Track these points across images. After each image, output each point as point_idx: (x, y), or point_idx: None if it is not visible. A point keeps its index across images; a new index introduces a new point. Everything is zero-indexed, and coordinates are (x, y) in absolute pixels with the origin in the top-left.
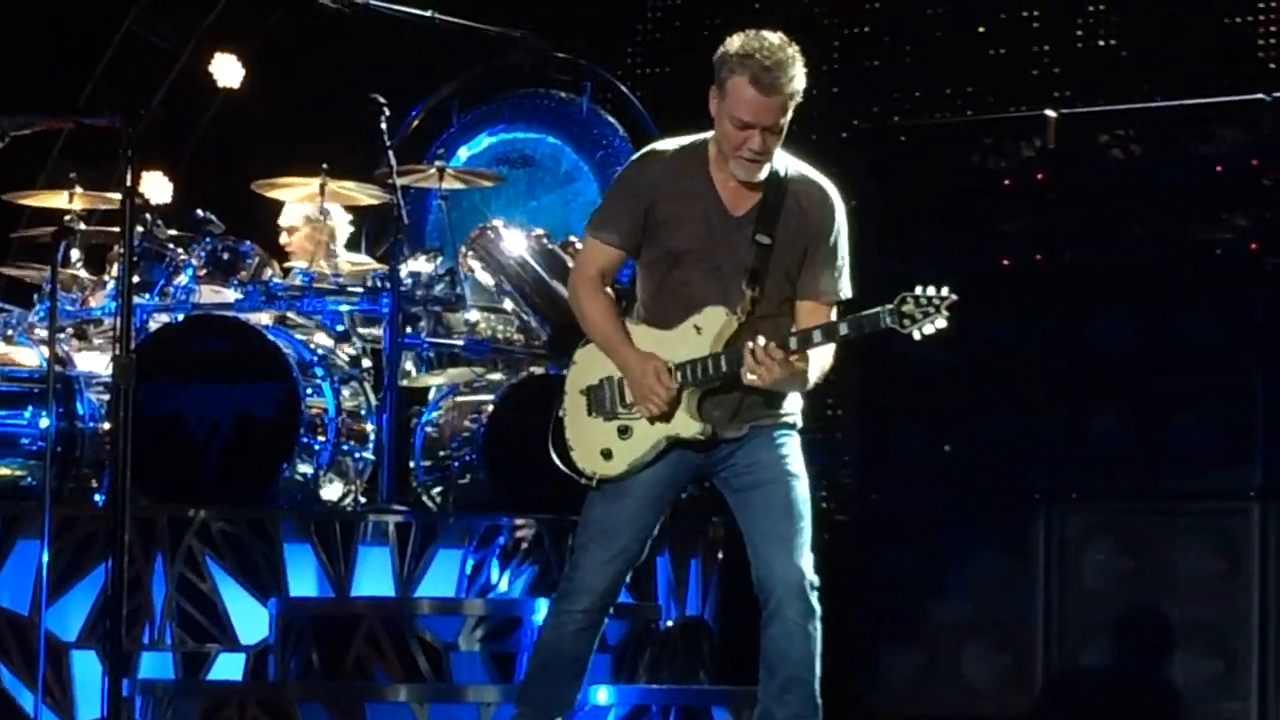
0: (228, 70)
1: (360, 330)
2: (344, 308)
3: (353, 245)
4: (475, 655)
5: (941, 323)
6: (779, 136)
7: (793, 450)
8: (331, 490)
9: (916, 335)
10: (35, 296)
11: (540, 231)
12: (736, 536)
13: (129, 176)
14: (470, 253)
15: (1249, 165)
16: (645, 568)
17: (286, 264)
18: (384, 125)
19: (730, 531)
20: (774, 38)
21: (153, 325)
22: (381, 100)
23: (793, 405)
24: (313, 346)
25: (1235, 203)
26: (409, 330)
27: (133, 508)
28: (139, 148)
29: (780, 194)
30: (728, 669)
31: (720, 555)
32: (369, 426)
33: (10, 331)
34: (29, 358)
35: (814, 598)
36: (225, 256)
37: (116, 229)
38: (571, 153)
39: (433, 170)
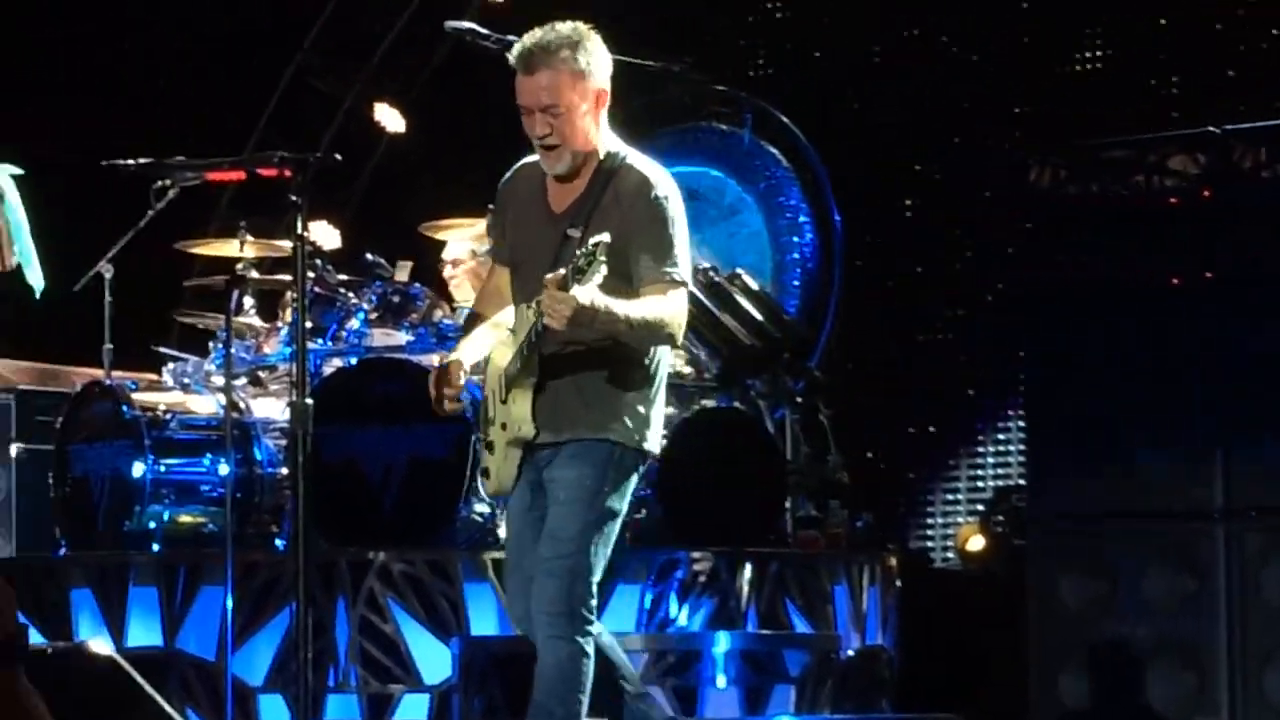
0: (392, 116)
1: None
2: None
3: None
4: (657, 690)
5: (604, 269)
6: (559, 120)
7: (584, 472)
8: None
9: (582, 286)
10: (210, 344)
11: (706, 265)
12: (913, 565)
13: (299, 223)
14: None
15: None
16: (822, 597)
17: (454, 304)
18: None
19: (906, 559)
20: (559, 27)
21: (326, 370)
22: None
23: (610, 416)
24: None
25: None
26: None
27: (313, 552)
28: (308, 194)
29: (601, 187)
30: (909, 697)
31: (898, 584)
32: None
33: (186, 380)
34: (206, 406)
35: (561, 625)
36: (396, 300)
37: (288, 275)
38: (735, 185)
39: None
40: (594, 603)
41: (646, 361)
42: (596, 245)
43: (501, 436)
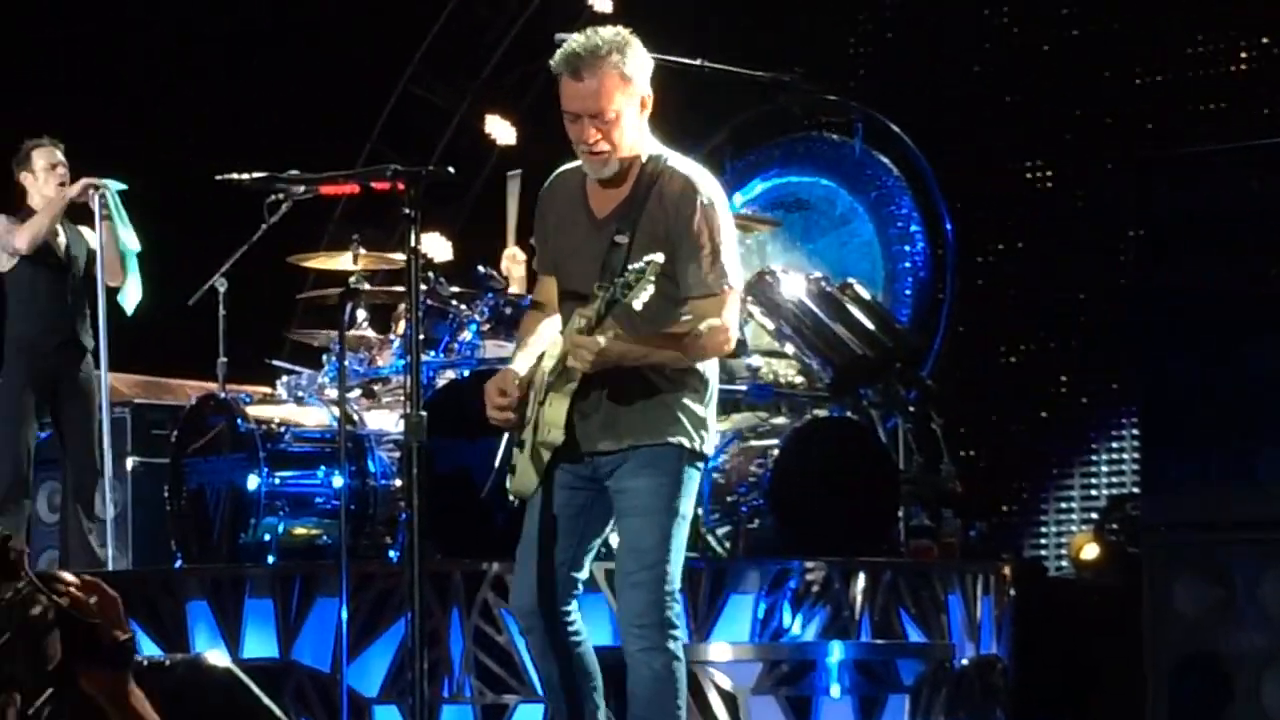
0: (503, 127)
1: None
2: None
3: None
4: (771, 699)
5: (651, 287)
6: (611, 126)
7: (659, 480)
8: None
9: (636, 304)
10: (323, 358)
11: (818, 274)
12: (1027, 573)
13: (412, 236)
14: (749, 298)
15: None
16: (936, 606)
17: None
18: None
19: (1020, 568)
20: (605, 31)
21: (439, 382)
22: None
23: (673, 423)
24: None
25: None
26: None
27: (427, 563)
28: (420, 207)
29: (645, 191)
30: (1024, 707)
31: (1012, 592)
32: None
33: (300, 393)
34: (320, 418)
35: (653, 635)
36: (508, 311)
37: (400, 288)
38: (846, 194)
39: None
40: (679, 609)
41: (699, 366)
42: (648, 264)
43: (532, 438)
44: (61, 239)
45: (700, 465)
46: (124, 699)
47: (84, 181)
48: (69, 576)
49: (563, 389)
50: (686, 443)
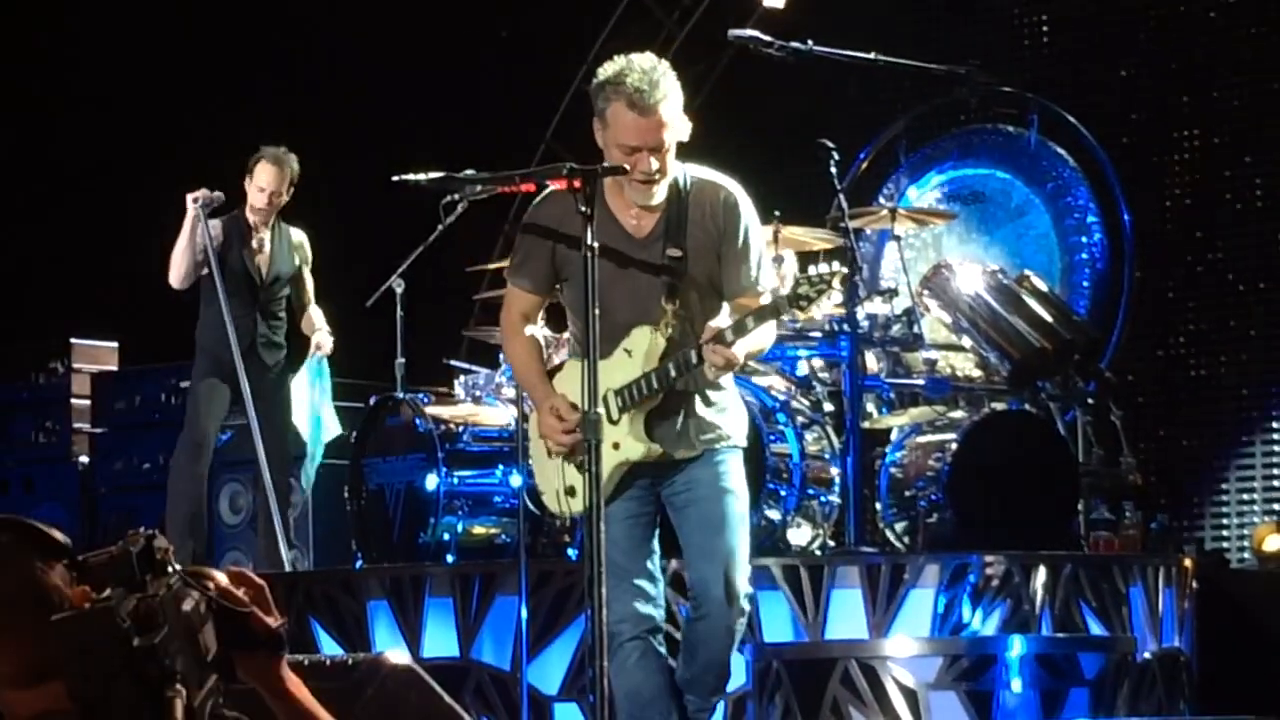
0: None
1: (820, 375)
2: (802, 353)
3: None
4: (951, 694)
5: (837, 296)
6: (665, 155)
7: (731, 468)
8: (799, 535)
9: (816, 313)
10: (500, 356)
11: (995, 267)
12: (1209, 565)
13: (588, 234)
14: (925, 291)
15: None
16: (1117, 599)
17: None
18: (833, 169)
19: (1203, 560)
20: (644, 59)
21: None
22: (830, 145)
23: (736, 425)
24: (773, 393)
25: None
26: (869, 372)
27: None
28: (595, 204)
29: (684, 205)
30: (1208, 700)
31: (1194, 585)
32: (833, 470)
33: (478, 392)
34: (497, 417)
35: (744, 604)
36: None
37: None
38: (1022, 186)
39: (884, 211)
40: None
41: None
42: (834, 274)
43: (612, 457)
44: (265, 250)
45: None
46: (280, 684)
47: (189, 219)
48: (215, 571)
49: (646, 406)
50: (742, 443)
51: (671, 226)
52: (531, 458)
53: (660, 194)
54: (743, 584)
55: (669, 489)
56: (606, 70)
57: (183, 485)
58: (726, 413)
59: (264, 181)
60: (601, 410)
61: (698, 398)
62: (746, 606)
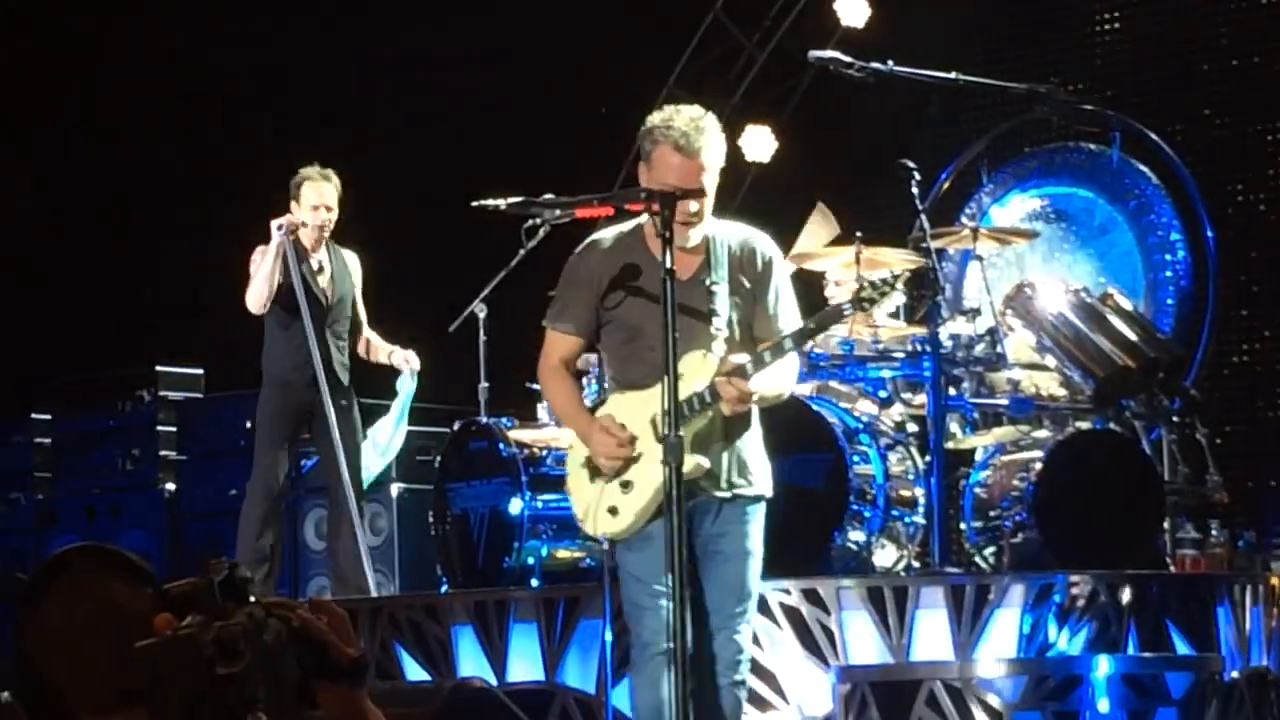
0: (758, 144)
1: (903, 395)
2: (886, 373)
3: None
4: (1038, 715)
5: (900, 297)
6: (705, 198)
7: (755, 527)
8: (884, 556)
9: (878, 314)
10: (583, 380)
11: (1078, 285)
12: None
13: (667, 257)
14: (1009, 311)
15: None
16: (1204, 618)
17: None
18: (914, 189)
19: None
20: (691, 109)
21: None
22: (911, 165)
23: (763, 473)
24: (857, 414)
25: None
26: (952, 392)
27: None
28: (674, 228)
29: (721, 251)
30: None
31: None
32: (918, 491)
33: None
34: None
35: (744, 669)
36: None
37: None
38: (1105, 204)
39: (966, 231)
40: None
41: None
42: (896, 278)
43: (659, 472)
44: (326, 271)
45: None
46: (361, 716)
47: (274, 245)
48: (296, 601)
49: (688, 423)
50: (767, 492)
51: (711, 269)
52: (568, 487)
53: (696, 237)
54: (746, 645)
55: (700, 528)
56: (654, 118)
57: (254, 511)
58: (756, 457)
59: (316, 199)
60: (649, 428)
61: (729, 434)
62: (744, 676)
